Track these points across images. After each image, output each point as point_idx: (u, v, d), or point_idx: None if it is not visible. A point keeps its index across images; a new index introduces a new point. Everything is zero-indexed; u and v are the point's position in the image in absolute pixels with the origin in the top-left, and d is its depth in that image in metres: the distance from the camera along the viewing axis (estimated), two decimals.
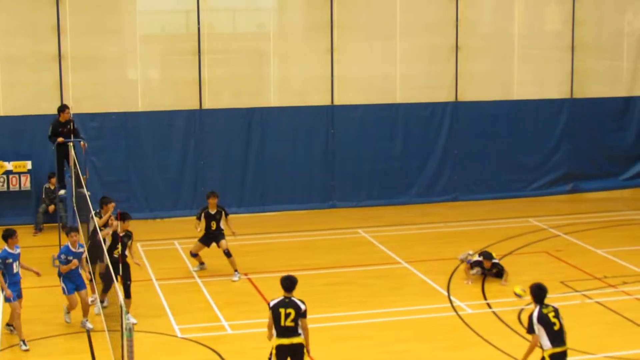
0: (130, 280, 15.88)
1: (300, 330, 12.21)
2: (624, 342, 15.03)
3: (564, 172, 25.60)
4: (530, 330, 12.04)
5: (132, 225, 16.30)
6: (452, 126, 24.76)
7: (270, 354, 12.32)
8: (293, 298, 12.31)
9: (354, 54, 24.04)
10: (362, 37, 24.07)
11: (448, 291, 17.63)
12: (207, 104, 23.31)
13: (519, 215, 23.55)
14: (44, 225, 21.97)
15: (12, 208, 22.23)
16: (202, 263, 18.95)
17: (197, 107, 23.25)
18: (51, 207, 21.79)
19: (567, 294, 17.22)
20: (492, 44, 24.98)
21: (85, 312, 15.34)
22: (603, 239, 21.18)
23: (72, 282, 15.18)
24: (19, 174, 22.05)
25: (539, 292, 12.14)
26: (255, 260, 19.68)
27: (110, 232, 15.99)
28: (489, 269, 18.10)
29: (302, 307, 12.24)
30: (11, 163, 21.97)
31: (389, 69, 24.27)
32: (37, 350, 14.65)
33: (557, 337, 11.96)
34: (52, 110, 21.20)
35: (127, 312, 14.69)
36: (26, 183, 22.10)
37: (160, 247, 20.45)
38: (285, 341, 12.17)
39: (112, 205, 16.69)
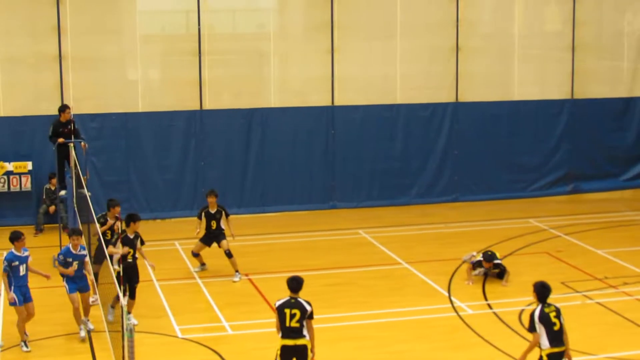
0: (138, 281, 15.83)
1: (305, 332, 12.17)
2: (625, 342, 15.03)
3: (564, 172, 25.60)
4: (532, 328, 12.08)
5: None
6: (453, 126, 24.76)
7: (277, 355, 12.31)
8: (299, 299, 12.27)
9: (354, 55, 24.04)
10: (363, 37, 24.07)
11: (449, 292, 17.63)
12: (208, 105, 23.31)
13: (519, 216, 23.55)
14: (45, 226, 21.98)
15: (12, 209, 22.25)
16: (203, 264, 18.95)
17: (197, 107, 23.25)
18: (52, 208, 21.79)
19: (567, 294, 17.21)
20: (492, 44, 24.98)
21: (87, 312, 15.31)
22: (604, 239, 21.18)
23: (75, 283, 15.05)
24: (20, 174, 22.05)
25: (542, 291, 12.17)
26: (255, 260, 19.67)
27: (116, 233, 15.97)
28: (489, 269, 18.09)
29: (308, 308, 12.20)
30: (12, 164, 21.97)
31: (389, 69, 24.27)
32: (37, 351, 14.65)
33: (557, 337, 11.99)
34: (53, 110, 21.21)
35: (129, 313, 14.78)
36: (27, 184, 22.10)
37: (161, 247, 20.44)
38: (290, 342, 12.15)
39: (118, 209, 16.71)
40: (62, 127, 19.96)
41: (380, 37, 24.17)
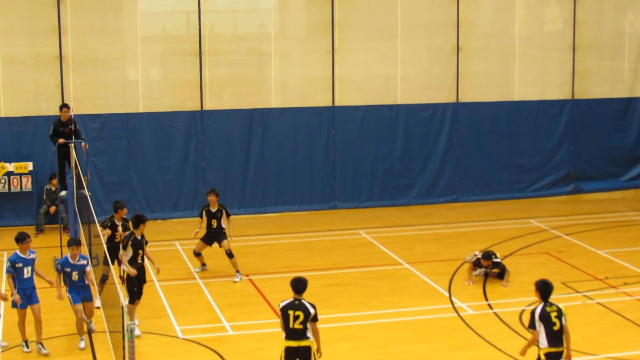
0: (145, 281, 15.77)
1: (309, 334, 12.17)
2: (625, 342, 15.04)
3: (564, 173, 25.60)
4: (531, 326, 12.15)
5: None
6: (453, 127, 24.76)
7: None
8: (303, 301, 12.27)
9: (355, 55, 24.05)
10: (363, 38, 24.08)
11: (449, 292, 17.63)
12: (208, 105, 23.32)
13: (520, 216, 23.55)
14: (45, 226, 21.98)
15: (13, 209, 22.27)
16: (203, 264, 18.96)
17: (198, 108, 23.26)
18: (52, 208, 21.80)
19: (568, 294, 17.22)
20: (492, 45, 24.99)
21: (90, 316, 15.25)
22: (604, 240, 21.18)
23: (78, 294, 14.83)
24: (20, 175, 22.05)
25: (545, 289, 12.20)
26: (256, 261, 19.68)
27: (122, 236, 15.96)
28: (489, 268, 18.09)
29: (312, 310, 12.20)
30: (12, 164, 21.98)
31: (389, 69, 24.27)
32: (38, 352, 14.66)
33: (556, 337, 12.03)
34: (53, 111, 21.23)
35: (134, 322, 14.84)
36: (27, 184, 22.11)
37: (161, 248, 20.43)
38: (294, 344, 12.15)
39: (125, 210, 16.71)
40: (63, 126, 19.98)
41: (380, 38, 24.18)
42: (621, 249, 20.35)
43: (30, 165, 22.10)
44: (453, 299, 17.22)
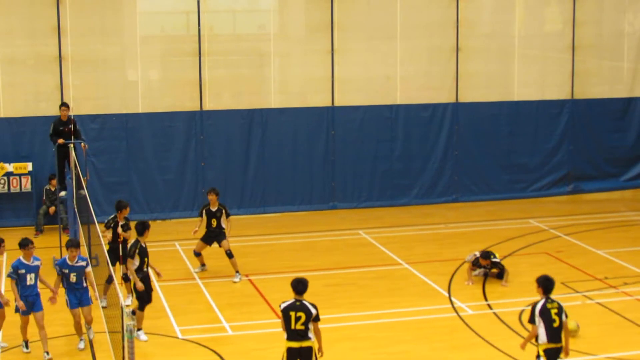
0: (152, 290, 15.63)
1: (310, 334, 12.17)
2: (625, 342, 15.04)
3: (564, 173, 25.60)
4: (531, 320, 12.24)
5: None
6: (453, 127, 24.76)
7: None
8: (304, 301, 12.25)
9: (355, 55, 24.05)
10: (363, 38, 24.08)
11: (449, 292, 17.63)
12: (208, 105, 23.31)
13: (519, 216, 23.55)
14: (45, 226, 21.98)
15: (12, 210, 22.27)
16: (203, 264, 18.95)
17: (197, 108, 23.26)
18: (52, 209, 21.79)
19: (568, 294, 17.21)
20: (492, 45, 24.99)
21: (89, 321, 15.19)
22: (604, 240, 21.18)
23: (75, 296, 14.71)
24: (20, 175, 22.05)
25: (547, 284, 12.28)
26: (256, 261, 19.68)
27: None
28: (487, 267, 18.09)
29: (313, 311, 12.19)
30: (12, 165, 21.98)
31: (389, 69, 24.27)
32: (38, 352, 14.65)
33: (555, 334, 12.10)
34: (53, 111, 21.22)
35: (140, 329, 14.83)
36: (27, 185, 22.11)
37: (161, 248, 20.43)
38: (295, 344, 12.15)
39: (127, 210, 16.70)
40: (63, 125, 19.99)
41: (380, 38, 24.18)
42: (621, 249, 20.35)
43: (29, 166, 22.10)
44: (453, 299, 17.22)
